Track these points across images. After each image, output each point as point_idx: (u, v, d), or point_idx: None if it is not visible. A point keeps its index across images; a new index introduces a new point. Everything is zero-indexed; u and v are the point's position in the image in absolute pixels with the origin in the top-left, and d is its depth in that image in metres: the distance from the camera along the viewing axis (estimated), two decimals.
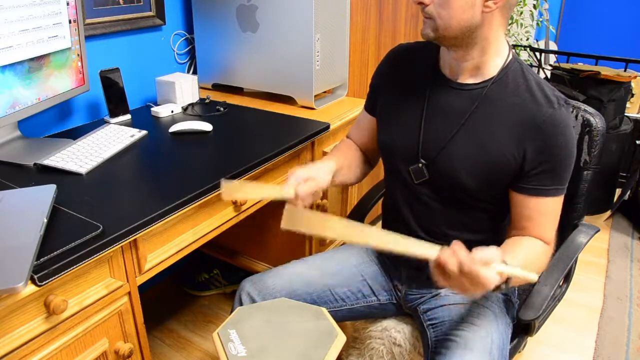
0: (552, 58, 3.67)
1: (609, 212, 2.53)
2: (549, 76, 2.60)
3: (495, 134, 0.95)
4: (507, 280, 0.81)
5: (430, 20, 0.92)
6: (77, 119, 1.51)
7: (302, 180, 0.99)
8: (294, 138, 1.36)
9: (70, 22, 1.27)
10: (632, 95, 2.74)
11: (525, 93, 0.94)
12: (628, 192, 2.50)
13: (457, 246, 0.78)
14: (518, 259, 0.90)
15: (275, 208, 1.58)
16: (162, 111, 1.52)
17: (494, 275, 0.76)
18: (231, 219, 1.23)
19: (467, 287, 0.77)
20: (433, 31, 0.92)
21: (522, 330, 1.09)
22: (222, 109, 1.58)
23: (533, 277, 0.79)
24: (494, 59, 0.96)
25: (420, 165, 1.02)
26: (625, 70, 2.46)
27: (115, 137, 1.30)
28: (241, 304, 1.09)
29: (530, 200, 0.96)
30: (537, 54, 2.85)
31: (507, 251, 0.93)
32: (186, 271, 1.98)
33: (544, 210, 0.97)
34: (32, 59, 1.17)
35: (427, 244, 0.81)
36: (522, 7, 3.35)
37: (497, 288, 0.81)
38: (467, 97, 0.98)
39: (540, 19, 3.65)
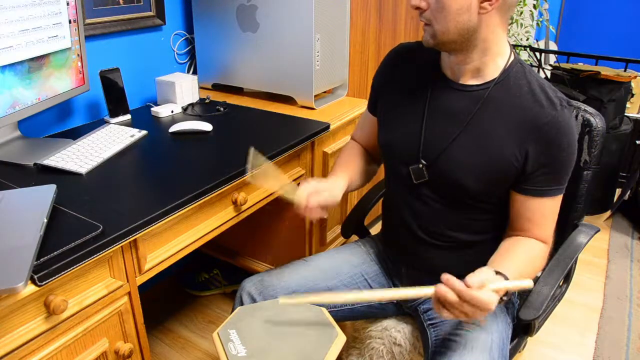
0: (552, 58, 3.68)
1: (609, 212, 2.53)
2: (549, 76, 2.60)
3: (498, 135, 0.95)
4: (507, 292, 0.83)
5: (429, 26, 0.93)
6: (77, 119, 1.51)
7: (314, 191, 1.01)
8: (294, 138, 1.36)
9: (70, 22, 1.27)
10: (632, 95, 2.74)
11: (528, 95, 0.94)
12: (628, 192, 2.50)
13: (450, 278, 0.81)
14: (514, 266, 0.91)
15: (275, 208, 1.59)
16: (162, 111, 1.52)
17: (492, 295, 0.80)
18: (231, 219, 1.23)
19: (471, 313, 0.80)
20: (432, 38, 0.93)
21: (522, 330, 1.09)
22: (222, 109, 1.58)
23: (528, 284, 0.82)
24: (495, 61, 0.96)
25: (420, 166, 1.02)
26: (625, 70, 2.46)
27: (115, 137, 1.30)
28: (242, 304, 1.09)
29: (531, 201, 0.96)
30: (537, 54, 2.85)
31: (502, 258, 0.94)
32: (186, 271, 1.98)
33: (544, 211, 0.97)
34: (32, 59, 1.17)
35: (421, 287, 0.85)
36: (522, 7, 3.35)
37: (500, 301, 0.83)
38: (469, 98, 0.98)
39: (540, 19, 3.65)
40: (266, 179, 1.05)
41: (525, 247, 0.97)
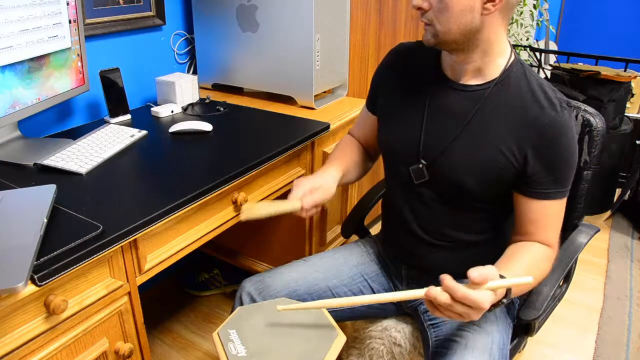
0: (552, 58, 3.67)
1: (609, 212, 2.53)
2: (549, 76, 2.61)
3: (497, 135, 0.95)
4: (507, 293, 0.81)
5: (430, 26, 0.92)
6: (77, 119, 1.51)
7: (307, 192, 1.02)
8: (294, 138, 1.36)
9: (70, 22, 1.27)
10: (632, 95, 2.74)
11: (528, 95, 0.94)
12: (628, 192, 2.50)
13: (444, 278, 0.78)
14: (518, 269, 0.90)
15: None
16: (162, 111, 1.52)
17: (487, 294, 0.77)
18: (231, 219, 1.23)
19: (464, 313, 0.78)
20: (433, 37, 0.93)
21: (522, 330, 1.09)
22: (222, 109, 1.58)
23: (527, 280, 0.79)
24: (496, 61, 0.96)
25: (420, 165, 1.02)
26: (625, 70, 2.47)
27: (115, 137, 1.30)
28: (241, 304, 1.09)
29: (534, 204, 0.96)
30: (537, 54, 2.85)
31: (505, 263, 0.93)
32: (186, 271, 1.98)
33: (548, 213, 0.96)
34: (32, 59, 1.17)
35: (414, 290, 0.82)
36: (522, 7, 3.36)
37: (499, 304, 0.81)
38: (469, 98, 0.98)
39: (540, 19, 3.65)
40: (258, 210, 1.04)
41: (529, 251, 0.96)
